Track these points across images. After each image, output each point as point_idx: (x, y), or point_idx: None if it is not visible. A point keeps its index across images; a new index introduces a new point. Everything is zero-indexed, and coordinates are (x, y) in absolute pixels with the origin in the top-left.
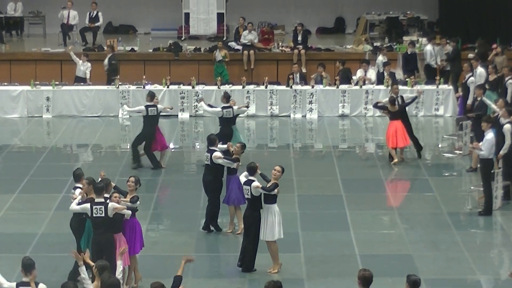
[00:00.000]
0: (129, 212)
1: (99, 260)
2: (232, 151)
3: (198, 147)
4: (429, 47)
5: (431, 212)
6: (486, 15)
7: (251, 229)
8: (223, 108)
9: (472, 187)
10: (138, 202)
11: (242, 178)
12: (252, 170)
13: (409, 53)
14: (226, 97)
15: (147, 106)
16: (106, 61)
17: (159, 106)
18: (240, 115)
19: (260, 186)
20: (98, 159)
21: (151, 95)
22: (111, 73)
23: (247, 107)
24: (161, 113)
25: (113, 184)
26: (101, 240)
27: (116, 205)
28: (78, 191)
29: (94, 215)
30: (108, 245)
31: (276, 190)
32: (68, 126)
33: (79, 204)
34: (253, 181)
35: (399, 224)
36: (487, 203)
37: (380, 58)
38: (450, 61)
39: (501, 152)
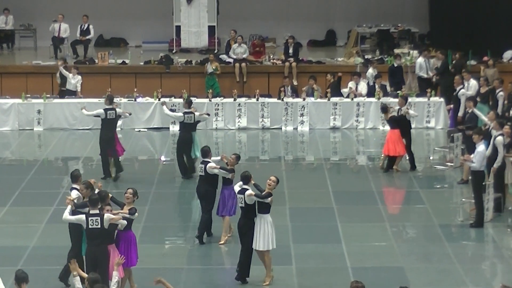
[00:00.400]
0: (125, 222)
1: (91, 273)
2: (227, 162)
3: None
4: (420, 60)
5: (422, 224)
6: (477, 27)
7: (245, 237)
8: (185, 113)
9: (463, 199)
10: (136, 214)
11: (236, 187)
12: (246, 179)
13: (395, 65)
14: (188, 102)
15: (105, 110)
16: (58, 74)
17: (118, 110)
18: (201, 122)
19: (254, 194)
20: (90, 172)
21: (110, 99)
22: (63, 85)
23: (208, 114)
24: (120, 117)
25: (110, 195)
26: (96, 252)
27: (112, 216)
28: (74, 192)
29: (90, 226)
30: (103, 256)
31: (269, 199)
32: (59, 139)
33: (74, 210)
34: (247, 189)
35: (390, 236)
36: (478, 215)
37: (371, 71)
38: (439, 74)
39: (495, 165)
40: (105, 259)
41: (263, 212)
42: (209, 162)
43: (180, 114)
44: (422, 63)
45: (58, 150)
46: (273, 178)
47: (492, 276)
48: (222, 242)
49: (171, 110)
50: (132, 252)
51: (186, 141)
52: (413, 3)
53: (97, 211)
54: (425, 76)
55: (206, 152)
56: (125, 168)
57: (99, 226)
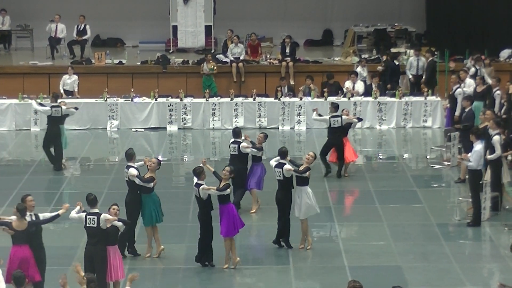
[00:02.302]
0: (120, 223)
1: (87, 273)
2: (255, 142)
3: (186, 159)
4: (411, 59)
5: (420, 223)
6: (473, 27)
7: (283, 207)
8: (52, 107)
9: (460, 198)
10: (228, 190)
11: (273, 162)
12: (283, 154)
13: (396, 64)
14: (55, 97)
15: (52, 107)
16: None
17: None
18: (69, 115)
19: (293, 169)
20: (87, 172)
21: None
22: None
23: (76, 108)
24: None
25: (213, 169)
26: (92, 250)
27: (108, 216)
28: (132, 170)
29: (87, 225)
30: (99, 256)
31: (307, 173)
32: None
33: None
34: (284, 164)
35: (388, 235)
36: (475, 214)
37: (359, 70)
38: (426, 73)
39: (491, 157)
40: (101, 259)
41: (302, 184)
42: (241, 142)
43: (48, 108)
44: (412, 62)
45: None
46: (311, 153)
47: (490, 275)
48: (253, 211)
49: (40, 105)
50: (237, 221)
51: (54, 134)
52: (410, 2)
53: (96, 210)
54: (412, 74)
55: (238, 133)
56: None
57: (95, 225)
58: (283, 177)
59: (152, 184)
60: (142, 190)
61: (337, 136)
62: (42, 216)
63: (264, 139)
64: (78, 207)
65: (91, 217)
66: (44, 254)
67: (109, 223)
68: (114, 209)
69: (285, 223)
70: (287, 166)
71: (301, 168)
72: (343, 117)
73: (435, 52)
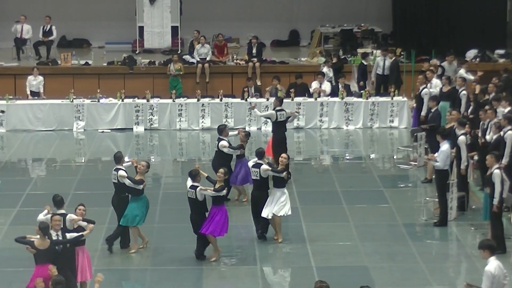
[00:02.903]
0: (85, 223)
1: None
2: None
3: (153, 160)
4: (378, 59)
5: (386, 223)
6: (440, 27)
7: (257, 207)
8: None
9: (427, 198)
10: (224, 191)
11: (251, 162)
12: (260, 154)
13: (365, 64)
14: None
15: None
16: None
17: None
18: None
19: (270, 168)
20: (53, 173)
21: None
22: None
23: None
24: None
25: (206, 175)
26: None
27: (74, 216)
28: (121, 172)
29: None
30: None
31: (284, 174)
32: (22, 141)
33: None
34: (261, 164)
35: (355, 235)
36: (442, 214)
37: (326, 70)
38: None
39: (462, 167)
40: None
41: (279, 186)
42: (222, 140)
43: None
44: (379, 62)
45: (21, 152)
46: (284, 155)
47: (456, 275)
48: (245, 200)
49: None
50: (225, 225)
51: None
52: (376, 3)
53: (63, 211)
54: (378, 74)
55: (220, 130)
56: (89, 169)
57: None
58: (259, 177)
59: (141, 186)
60: (132, 192)
61: (283, 130)
62: (69, 236)
63: (246, 138)
64: (46, 210)
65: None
66: (70, 275)
67: (75, 223)
68: (80, 209)
69: (264, 221)
70: (265, 166)
71: (279, 168)
72: (287, 110)
73: (402, 53)
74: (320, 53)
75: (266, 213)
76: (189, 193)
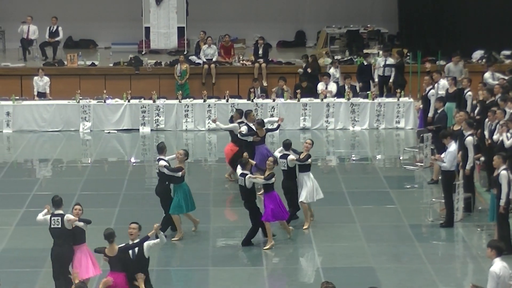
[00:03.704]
0: (82, 223)
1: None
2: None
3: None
4: (379, 59)
5: (392, 224)
6: (446, 28)
7: (293, 195)
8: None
9: (433, 199)
10: (273, 179)
11: (277, 153)
12: (287, 146)
13: (365, 64)
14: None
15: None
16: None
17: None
18: None
19: (295, 158)
20: (59, 174)
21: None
22: None
23: None
24: None
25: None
26: (60, 251)
27: (70, 216)
28: (161, 161)
29: (52, 226)
30: (68, 256)
31: (309, 160)
32: (28, 141)
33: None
34: (288, 155)
35: (361, 236)
36: (448, 215)
37: (332, 71)
38: (394, 73)
39: (467, 167)
40: (68, 259)
41: (305, 171)
42: (288, 155)
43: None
44: (380, 63)
45: (27, 152)
46: (308, 140)
47: (463, 276)
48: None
49: None
50: (283, 207)
51: None
52: (382, 3)
53: (61, 212)
54: (379, 75)
55: (246, 115)
56: (95, 170)
57: (59, 226)
58: (287, 167)
59: (180, 173)
60: (172, 180)
61: (241, 144)
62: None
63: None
64: (45, 210)
65: (56, 218)
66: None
67: (72, 223)
68: (76, 209)
69: (295, 209)
70: (291, 157)
71: (302, 156)
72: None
73: (407, 54)
74: (326, 54)
75: (303, 197)
76: (239, 181)
